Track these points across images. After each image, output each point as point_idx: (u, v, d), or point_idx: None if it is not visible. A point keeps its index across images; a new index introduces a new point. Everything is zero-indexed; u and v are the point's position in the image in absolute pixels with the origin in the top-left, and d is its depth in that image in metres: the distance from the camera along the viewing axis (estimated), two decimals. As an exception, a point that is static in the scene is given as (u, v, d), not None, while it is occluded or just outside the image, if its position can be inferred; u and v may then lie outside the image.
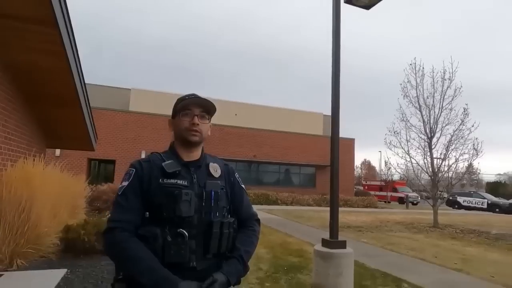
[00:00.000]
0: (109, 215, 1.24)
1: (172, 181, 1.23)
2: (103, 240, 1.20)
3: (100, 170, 18.76)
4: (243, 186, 1.47)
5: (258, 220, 1.46)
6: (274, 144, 22.86)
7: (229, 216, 1.33)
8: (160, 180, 1.23)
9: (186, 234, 1.18)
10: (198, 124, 1.31)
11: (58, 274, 3.81)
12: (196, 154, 1.35)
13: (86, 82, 5.90)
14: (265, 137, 22.60)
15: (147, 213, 1.21)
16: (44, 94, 5.53)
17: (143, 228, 1.18)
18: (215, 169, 1.36)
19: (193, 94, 1.36)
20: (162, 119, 18.86)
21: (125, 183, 1.24)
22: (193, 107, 1.32)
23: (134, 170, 1.26)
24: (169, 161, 1.28)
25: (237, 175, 1.46)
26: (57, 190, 4.90)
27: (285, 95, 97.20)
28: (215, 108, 1.37)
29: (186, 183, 1.25)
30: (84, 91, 5.93)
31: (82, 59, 5.21)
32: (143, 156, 18.55)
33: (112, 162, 18.00)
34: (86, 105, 6.30)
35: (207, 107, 1.35)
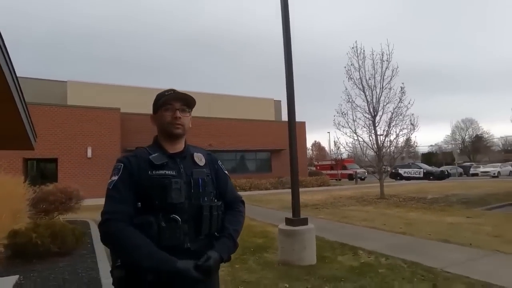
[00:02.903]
0: (103, 208, 1.26)
1: (161, 172, 1.31)
2: (100, 232, 1.24)
3: (39, 171, 17.15)
4: (226, 172, 1.56)
5: (243, 202, 1.56)
6: (229, 132, 22.82)
7: (216, 200, 1.41)
8: (149, 172, 1.30)
9: (179, 219, 1.25)
10: (180, 118, 1.39)
11: (9, 281, 3.50)
12: (180, 146, 1.43)
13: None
14: (219, 126, 22.43)
15: (139, 203, 1.27)
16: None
17: (137, 218, 1.24)
18: (200, 159, 1.45)
19: (172, 90, 1.43)
20: (107, 112, 17.71)
21: (115, 177, 1.30)
22: (174, 102, 1.41)
23: (122, 164, 1.32)
24: (156, 154, 1.35)
25: (220, 163, 1.56)
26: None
27: (236, 82, 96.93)
28: (195, 101, 1.46)
29: (174, 173, 1.32)
30: (17, 84, 5.33)
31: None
32: (89, 152, 17.39)
33: (54, 160, 16.57)
34: (21, 100, 5.68)
35: (187, 101, 1.44)
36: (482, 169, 31.64)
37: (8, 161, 13.61)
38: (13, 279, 3.59)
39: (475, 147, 55.23)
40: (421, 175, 27.51)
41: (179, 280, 1.17)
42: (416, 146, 16.31)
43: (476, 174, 30.97)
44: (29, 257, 4.24)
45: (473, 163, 39.72)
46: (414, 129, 13.32)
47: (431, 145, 58.85)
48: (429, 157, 51.72)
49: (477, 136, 56.07)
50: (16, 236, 4.20)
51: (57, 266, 4.23)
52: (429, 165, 32.51)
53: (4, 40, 4.47)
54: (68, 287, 3.48)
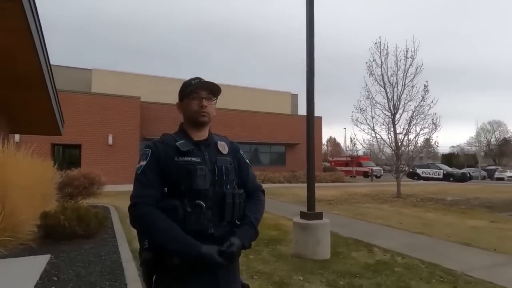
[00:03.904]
0: (132, 192, 1.32)
1: (187, 158, 1.34)
2: (129, 214, 1.30)
3: (65, 156, 17.85)
4: (247, 161, 1.60)
5: (263, 191, 1.60)
6: (244, 124, 22.86)
7: (237, 189, 1.46)
8: (176, 158, 1.34)
9: (204, 205, 1.30)
10: (206, 106, 1.43)
11: (43, 260, 3.76)
12: (204, 134, 1.47)
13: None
14: (234, 117, 22.46)
15: (166, 188, 1.32)
16: (6, 76, 5.16)
17: (163, 202, 1.29)
18: (223, 147, 1.48)
19: (198, 78, 1.46)
20: (127, 101, 18.13)
21: (143, 163, 1.34)
22: (200, 91, 1.43)
23: (150, 150, 1.36)
24: (182, 141, 1.39)
25: (242, 152, 1.59)
26: (30, 176, 4.71)
27: (251, 74, 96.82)
28: (220, 89, 1.48)
29: (199, 160, 1.36)
30: (50, 72, 5.59)
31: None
32: (110, 139, 17.84)
33: (77, 147, 17.21)
34: (52, 87, 5.96)
35: (212, 89, 1.46)
36: (509, 173, 30.47)
37: (38, 145, 14.25)
38: (46, 257, 3.85)
39: (501, 151, 53.14)
40: (441, 176, 26.79)
41: (202, 264, 1.22)
42: (437, 146, 15.87)
43: (502, 179, 29.87)
44: (58, 238, 4.52)
45: (499, 167, 38.29)
46: (435, 129, 13.03)
47: (452, 146, 57.05)
48: (449, 158, 50.21)
49: (504, 139, 53.85)
50: (47, 218, 4.47)
51: (82, 248, 4.47)
52: (450, 167, 31.60)
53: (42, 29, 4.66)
54: (93, 268, 3.69)
